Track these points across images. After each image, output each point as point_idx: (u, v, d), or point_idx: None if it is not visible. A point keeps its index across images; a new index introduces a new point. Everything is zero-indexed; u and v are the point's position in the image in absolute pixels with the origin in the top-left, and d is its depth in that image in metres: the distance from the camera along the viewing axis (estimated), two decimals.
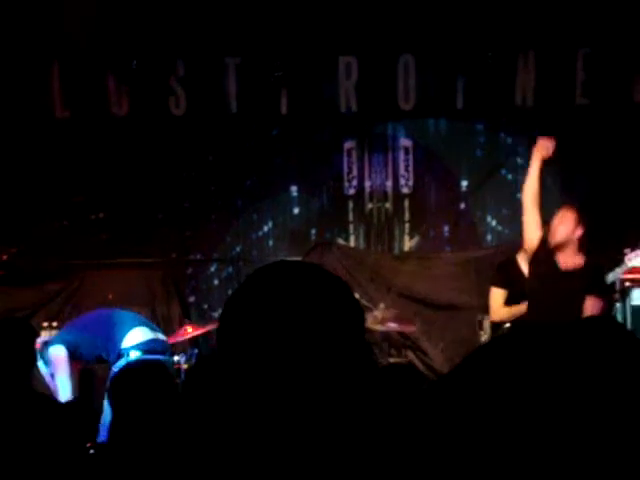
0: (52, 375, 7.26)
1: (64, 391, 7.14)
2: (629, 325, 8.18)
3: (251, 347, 1.63)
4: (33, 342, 4.96)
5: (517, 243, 9.53)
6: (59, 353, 7.24)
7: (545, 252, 7.34)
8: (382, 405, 1.81)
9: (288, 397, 1.61)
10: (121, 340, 7.22)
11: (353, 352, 1.67)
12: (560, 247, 7.28)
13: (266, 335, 1.62)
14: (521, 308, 7.40)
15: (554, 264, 7.26)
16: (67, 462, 4.01)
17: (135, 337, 7.24)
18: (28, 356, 4.79)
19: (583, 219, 7.41)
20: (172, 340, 8.20)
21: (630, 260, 7.92)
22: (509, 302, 7.72)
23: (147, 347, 7.19)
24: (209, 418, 1.72)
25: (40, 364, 6.99)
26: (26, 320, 7.33)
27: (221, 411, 1.67)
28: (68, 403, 6.28)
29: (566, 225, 7.30)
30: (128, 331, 7.26)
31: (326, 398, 1.62)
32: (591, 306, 7.16)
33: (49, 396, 5.17)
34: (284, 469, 1.60)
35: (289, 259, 8.90)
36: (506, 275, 7.86)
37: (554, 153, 7.43)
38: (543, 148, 7.46)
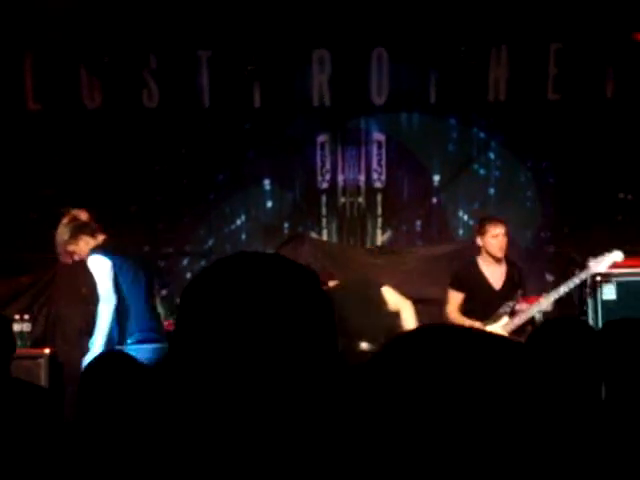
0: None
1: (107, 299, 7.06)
2: (600, 319, 8.25)
3: (208, 340, 1.57)
4: (9, 331, 5.06)
5: None
6: (101, 262, 7.11)
7: (473, 273, 7.85)
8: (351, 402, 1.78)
9: (250, 395, 1.55)
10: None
11: (321, 344, 1.61)
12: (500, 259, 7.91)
13: (226, 329, 1.56)
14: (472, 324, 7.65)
15: (488, 285, 7.72)
16: (46, 446, 4.02)
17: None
18: (5, 345, 4.89)
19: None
20: None
21: (594, 266, 8.07)
22: (468, 305, 7.84)
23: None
24: (173, 413, 1.67)
25: None
26: None
27: (183, 407, 1.63)
28: (44, 389, 6.29)
29: (505, 235, 7.73)
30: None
31: (293, 394, 1.57)
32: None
33: (27, 382, 5.20)
34: (245, 466, 1.56)
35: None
36: (466, 276, 7.96)
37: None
38: None
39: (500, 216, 8.29)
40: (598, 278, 8.48)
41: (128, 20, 9.43)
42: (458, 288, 7.99)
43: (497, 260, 7.93)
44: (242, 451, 1.56)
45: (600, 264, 8.08)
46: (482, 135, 9.89)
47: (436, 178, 9.93)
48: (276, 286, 1.58)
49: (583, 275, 8.12)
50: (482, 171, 9.92)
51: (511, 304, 7.86)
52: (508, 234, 7.96)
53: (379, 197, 9.94)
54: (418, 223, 9.98)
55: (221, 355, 1.55)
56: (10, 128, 9.58)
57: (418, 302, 9.17)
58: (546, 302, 7.92)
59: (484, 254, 8.01)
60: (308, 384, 1.57)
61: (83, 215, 7.31)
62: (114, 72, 9.59)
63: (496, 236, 7.84)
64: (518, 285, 7.99)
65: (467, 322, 7.72)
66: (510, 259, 8.16)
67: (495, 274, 7.91)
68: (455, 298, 8.00)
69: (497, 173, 9.91)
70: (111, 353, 5.36)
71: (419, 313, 9.15)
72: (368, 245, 9.93)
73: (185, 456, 1.60)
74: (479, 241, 8.00)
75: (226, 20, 9.44)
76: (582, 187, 9.67)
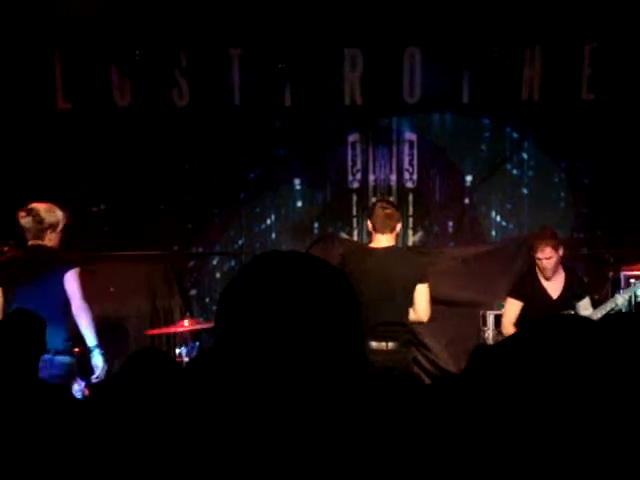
0: None
1: None
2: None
3: (246, 338, 1.62)
4: (43, 333, 5.03)
5: (520, 238, 9.56)
6: None
7: (532, 283, 7.67)
8: (378, 401, 1.77)
9: (282, 390, 1.59)
10: None
11: (348, 342, 1.65)
12: (550, 278, 7.65)
13: (261, 326, 1.61)
14: None
15: (546, 294, 7.54)
16: (75, 450, 4.00)
17: None
18: (37, 347, 4.88)
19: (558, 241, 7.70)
20: (170, 331, 8.20)
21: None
22: (526, 314, 7.67)
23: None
24: (206, 410, 1.69)
25: None
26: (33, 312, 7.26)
27: (217, 404, 1.65)
28: (69, 392, 6.28)
29: (551, 258, 7.52)
30: None
31: (321, 390, 1.60)
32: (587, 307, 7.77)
33: (55, 385, 5.17)
34: (279, 464, 1.58)
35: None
36: (525, 286, 7.79)
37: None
38: None
39: (547, 232, 7.98)
40: (632, 280, 8.38)
41: (159, 18, 9.41)
42: (516, 296, 7.78)
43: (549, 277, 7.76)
44: (278, 444, 1.59)
45: None
46: (515, 135, 9.81)
47: (468, 178, 9.86)
48: (305, 285, 1.65)
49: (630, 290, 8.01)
50: (515, 171, 9.84)
51: (570, 313, 7.66)
52: (558, 252, 7.70)
53: (410, 197, 9.88)
54: (450, 224, 9.90)
55: (255, 352, 1.60)
56: (40, 128, 9.57)
57: (449, 304, 9.09)
58: (622, 299, 7.76)
59: None
60: (333, 378, 1.62)
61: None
62: (144, 71, 9.58)
63: (540, 260, 7.66)
64: (579, 295, 7.81)
65: None
66: (570, 269, 7.98)
67: (553, 283, 7.74)
68: (513, 307, 7.77)
69: (530, 173, 9.82)
70: (148, 350, 5.33)
71: (450, 315, 9.09)
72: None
73: (223, 445, 1.63)
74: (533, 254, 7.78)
75: (257, 18, 9.41)
76: (616, 188, 9.57)
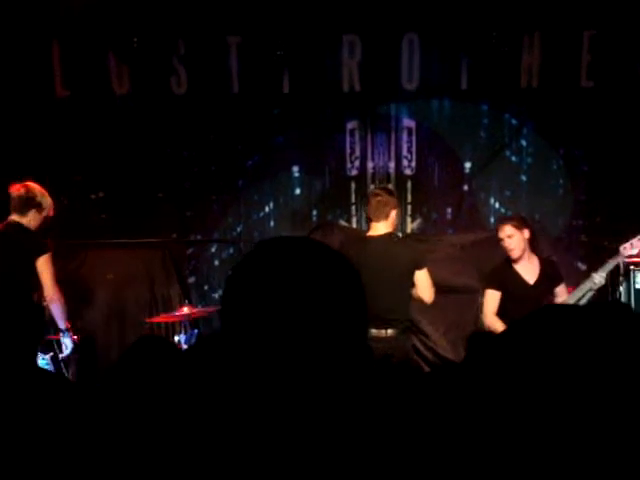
0: None
1: None
2: (632, 307, 8.14)
3: (252, 323, 1.62)
4: (42, 319, 5.04)
5: None
6: None
7: (507, 272, 7.64)
8: (379, 389, 1.77)
9: (286, 379, 1.59)
10: None
11: (354, 328, 1.65)
12: (519, 260, 7.60)
13: (267, 311, 1.61)
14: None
15: (522, 281, 7.50)
16: (72, 439, 3.99)
17: None
18: (35, 334, 4.87)
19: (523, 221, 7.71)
20: (170, 320, 8.20)
21: (626, 250, 7.84)
22: (505, 303, 7.62)
23: None
24: (210, 395, 1.69)
25: None
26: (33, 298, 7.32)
27: (218, 393, 1.64)
28: (69, 381, 6.29)
29: (511, 236, 7.52)
30: None
31: (324, 376, 1.60)
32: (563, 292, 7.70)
33: (53, 373, 5.18)
34: (279, 457, 1.57)
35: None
36: (500, 274, 7.75)
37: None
38: None
39: (515, 214, 7.96)
40: (632, 267, 8.38)
41: (157, 6, 9.39)
42: (493, 286, 7.72)
43: (518, 259, 7.72)
44: (279, 435, 1.59)
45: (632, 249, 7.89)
46: (514, 122, 9.80)
47: (467, 165, 9.84)
48: (311, 270, 1.66)
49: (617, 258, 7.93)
50: (514, 158, 9.82)
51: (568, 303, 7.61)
52: (522, 232, 7.64)
53: (409, 184, 9.87)
54: (449, 211, 9.89)
55: (261, 337, 1.61)
56: (39, 115, 9.56)
57: (447, 290, 9.08)
58: (599, 277, 7.69)
59: None
60: (337, 365, 1.62)
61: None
62: (143, 58, 9.56)
63: (502, 240, 7.64)
64: (554, 279, 7.78)
65: (501, 327, 7.50)
66: (543, 256, 7.95)
67: (528, 269, 7.69)
68: (492, 297, 7.70)
69: (529, 160, 9.81)
70: (151, 337, 5.33)
71: (448, 302, 9.09)
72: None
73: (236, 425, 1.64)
74: None
75: (255, 5, 9.38)
76: (615, 175, 9.56)
